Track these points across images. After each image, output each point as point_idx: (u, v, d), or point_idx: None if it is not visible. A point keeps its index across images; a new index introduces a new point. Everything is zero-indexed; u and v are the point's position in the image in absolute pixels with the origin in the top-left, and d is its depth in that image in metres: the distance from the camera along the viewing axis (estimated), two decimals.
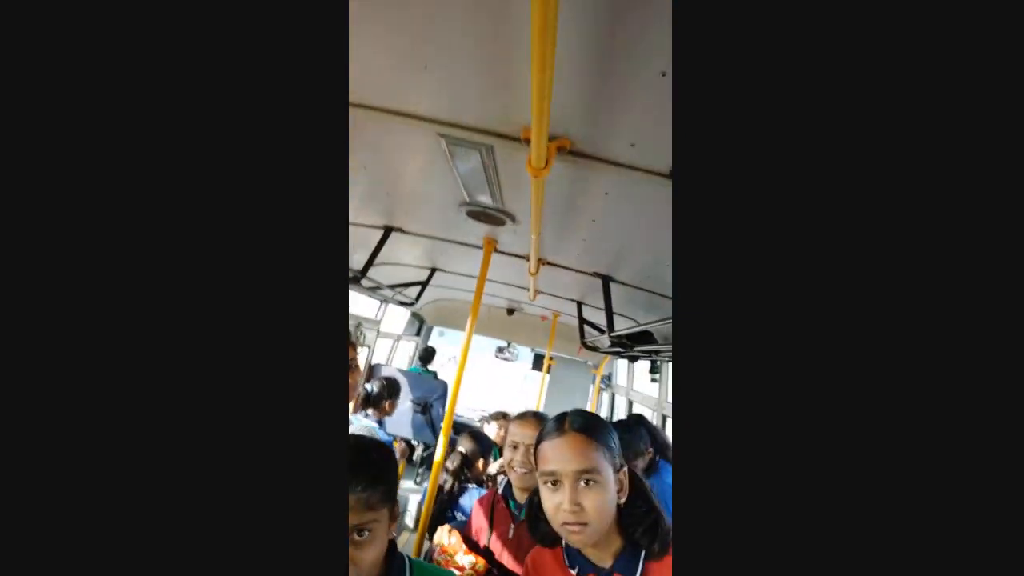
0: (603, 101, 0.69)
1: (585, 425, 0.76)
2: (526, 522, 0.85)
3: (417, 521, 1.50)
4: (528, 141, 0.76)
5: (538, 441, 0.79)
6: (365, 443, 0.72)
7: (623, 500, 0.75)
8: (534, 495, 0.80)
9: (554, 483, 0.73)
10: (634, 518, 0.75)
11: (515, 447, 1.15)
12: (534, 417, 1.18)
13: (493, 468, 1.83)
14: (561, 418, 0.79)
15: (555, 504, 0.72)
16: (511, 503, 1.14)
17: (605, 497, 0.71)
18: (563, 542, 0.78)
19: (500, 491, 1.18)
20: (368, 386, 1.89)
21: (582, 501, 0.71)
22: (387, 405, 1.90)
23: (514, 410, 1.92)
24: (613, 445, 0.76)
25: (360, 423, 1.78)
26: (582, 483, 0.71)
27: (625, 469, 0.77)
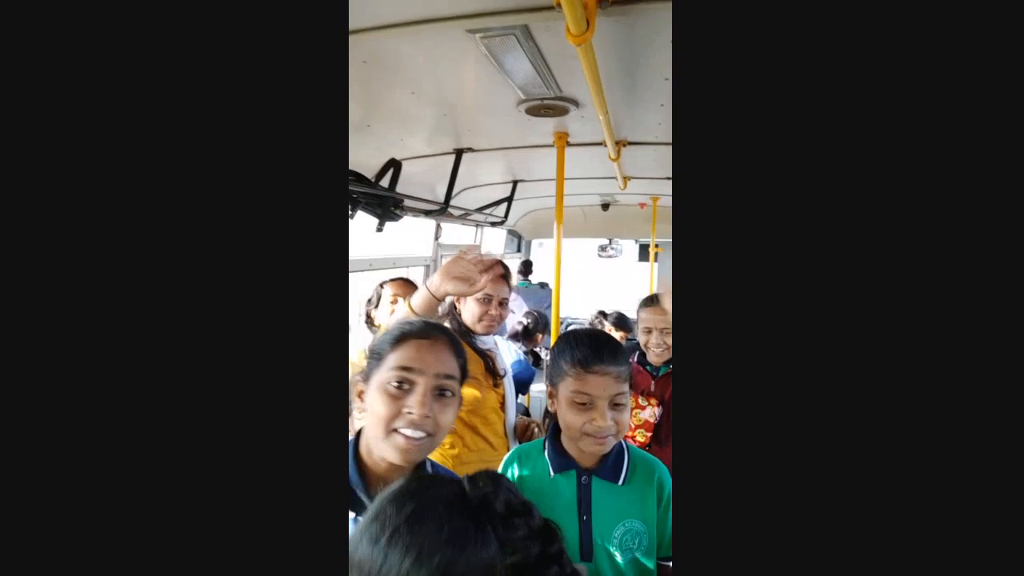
0: None
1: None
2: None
3: None
4: (561, 5, 0.66)
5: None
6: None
7: None
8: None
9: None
10: None
11: (649, 331, 1.38)
12: (658, 303, 1.43)
13: None
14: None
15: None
16: (647, 367, 1.43)
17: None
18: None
19: (635, 360, 1.46)
20: (523, 320, 2.25)
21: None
22: (538, 337, 2.28)
23: (621, 307, 2.07)
24: None
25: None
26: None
27: None
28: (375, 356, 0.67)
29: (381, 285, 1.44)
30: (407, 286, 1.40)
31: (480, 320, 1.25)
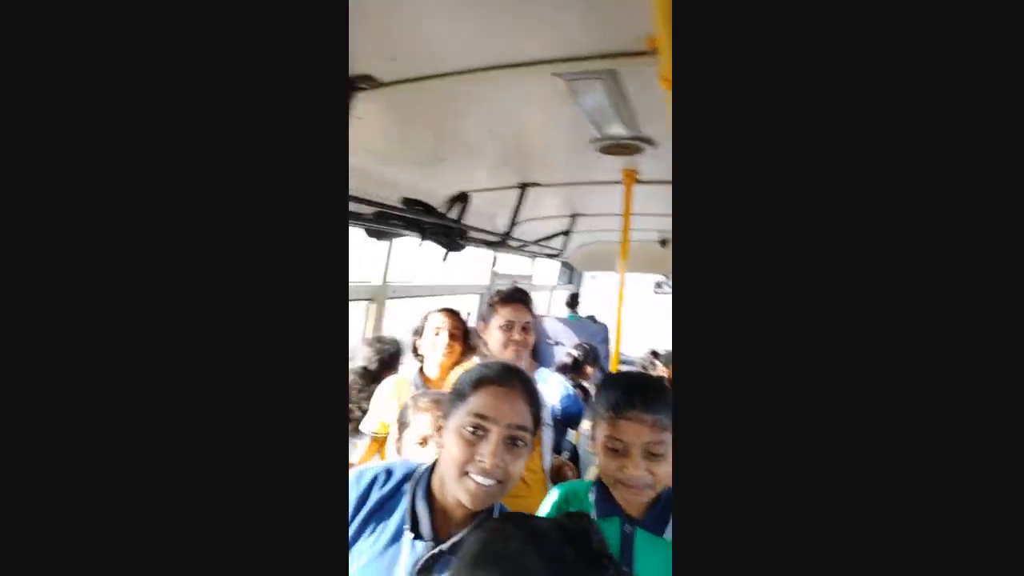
0: None
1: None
2: None
3: None
4: (656, 51, 0.65)
5: None
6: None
7: None
8: None
9: None
10: None
11: None
12: None
13: None
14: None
15: None
16: None
17: None
18: None
19: None
20: (572, 352, 2.19)
21: None
22: (587, 370, 2.17)
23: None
24: None
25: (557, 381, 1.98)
26: None
27: None
28: (457, 395, 0.69)
29: (425, 316, 1.44)
30: (450, 317, 1.41)
31: (505, 347, 1.21)
